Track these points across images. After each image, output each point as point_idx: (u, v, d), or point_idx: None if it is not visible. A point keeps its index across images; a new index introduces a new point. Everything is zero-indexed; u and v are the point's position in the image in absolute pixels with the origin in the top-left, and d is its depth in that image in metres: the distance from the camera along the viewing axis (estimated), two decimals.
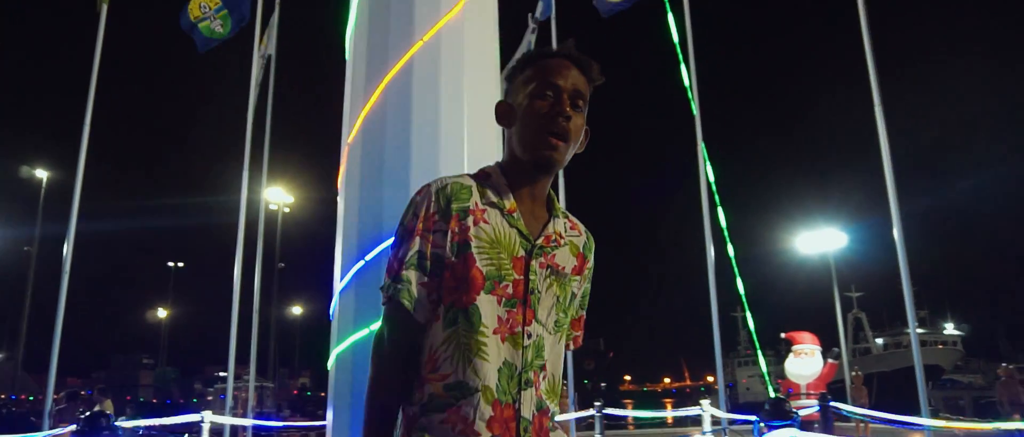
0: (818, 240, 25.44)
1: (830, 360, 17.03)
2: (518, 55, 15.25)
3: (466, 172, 1.66)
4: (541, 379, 1.54)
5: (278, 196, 27.19)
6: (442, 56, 6.61)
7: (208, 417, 9.91)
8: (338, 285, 6.93)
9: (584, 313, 1.76)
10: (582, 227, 1.72)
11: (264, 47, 14.30)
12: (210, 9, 12.37)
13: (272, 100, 15.00)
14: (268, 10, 14.12)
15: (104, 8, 10.49)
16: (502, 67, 7.52)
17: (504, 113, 1.67)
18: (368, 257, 6.45)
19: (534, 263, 1.55)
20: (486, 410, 1.45)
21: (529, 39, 15.66)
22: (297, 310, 57.42)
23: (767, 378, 17.72)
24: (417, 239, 1.54)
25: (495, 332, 1.49)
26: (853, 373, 18.48)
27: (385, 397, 1.49)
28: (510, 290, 1.51)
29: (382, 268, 6.41)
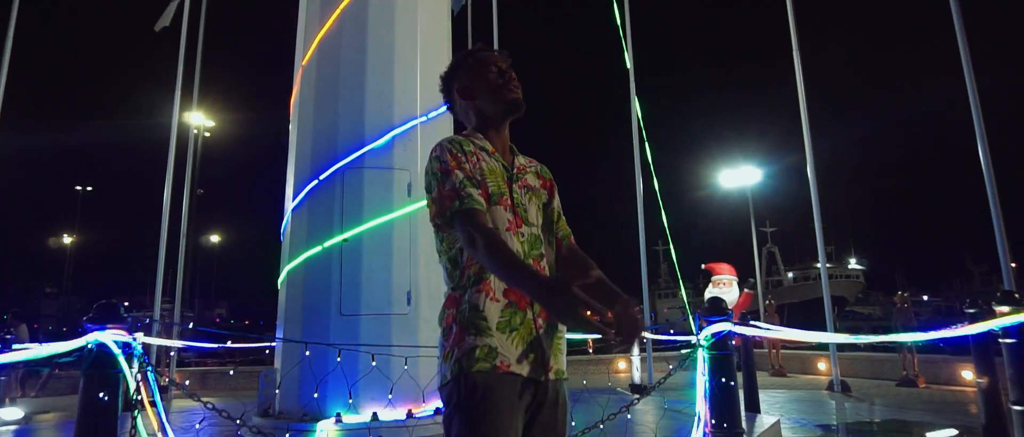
0: (737, 176, 26.49)
1: (746, 289, 17.97)
2: None
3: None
4: (542, 263, 2.04)
5: (198, 120, 26.25)
6: None
7: (141, 338, 9.92)
8: (290, 204, 7.07)
9: (563, 220, 2.30)
10: (535, 160, 2.32)
11: None
12: None
13: (204, 21, 14.56)
14: None
15: None
16: None
17: (464, 91, 2.19)
18: (322, 176, 6.61)
19: (515, 185, 2.10)
20: (502, 284, 1.93)
21: None
22: (214, 238, 56.07)
23: (687, 307, 18.68)
24: (457, 170, 1.97)
25: (507, 230, 1.99)
26: (767, 302, 19.65)
27: (508, 249, 1.81)
28: (509, 202, 2.04)
29: (334, 188, 6.57)
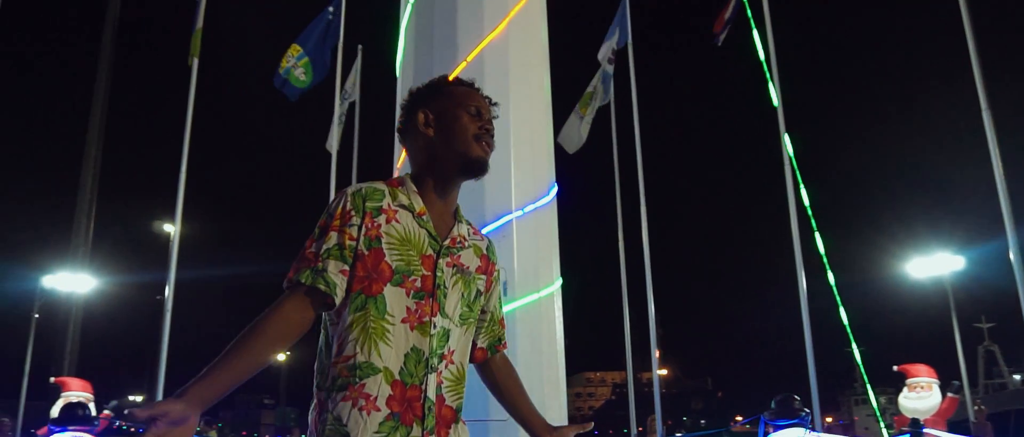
0: (931, 265, 23.79)
1: (950, 394, 15.84)
2: (593, 86, 15.12)
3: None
4: (445, 367, 1.69)
5: None
6: (486, 76, 6.56)
7: None
8: None
9: (503, 314, 1.98)
10: (482, 233, 1.96)
11: (347, 92, 14.79)
12: (293, 57, 12.88)
13: (357, 147, 15.45)
14: (349, 57, 14.64)
15: (195, 62, 10.82)
16: (553, 86, 7.49)
17: (429, 121, 1.84)
18: None
19: (441, 261, 1.72)
20: (386, 389, 1.59)
21: (606, 70, 15.55)
22: None
23: (878, 415, 16.67)
24: (334, 233, 1.67)
25: (404, 321, 1.64)
26: (975, 407, 17.11)
27: (257, 349, 1.56)
28: (418, 284, 1.67)
29: None
